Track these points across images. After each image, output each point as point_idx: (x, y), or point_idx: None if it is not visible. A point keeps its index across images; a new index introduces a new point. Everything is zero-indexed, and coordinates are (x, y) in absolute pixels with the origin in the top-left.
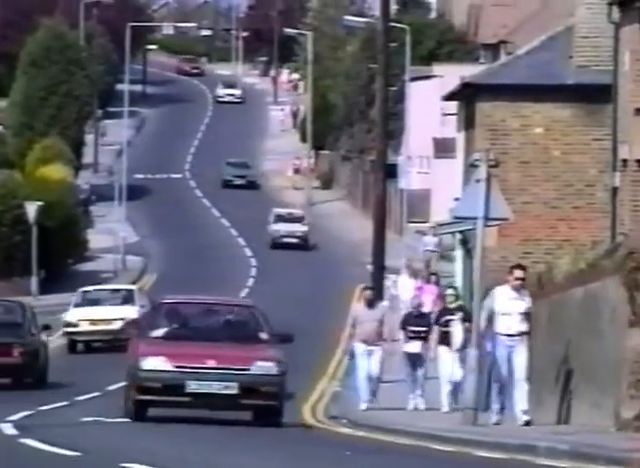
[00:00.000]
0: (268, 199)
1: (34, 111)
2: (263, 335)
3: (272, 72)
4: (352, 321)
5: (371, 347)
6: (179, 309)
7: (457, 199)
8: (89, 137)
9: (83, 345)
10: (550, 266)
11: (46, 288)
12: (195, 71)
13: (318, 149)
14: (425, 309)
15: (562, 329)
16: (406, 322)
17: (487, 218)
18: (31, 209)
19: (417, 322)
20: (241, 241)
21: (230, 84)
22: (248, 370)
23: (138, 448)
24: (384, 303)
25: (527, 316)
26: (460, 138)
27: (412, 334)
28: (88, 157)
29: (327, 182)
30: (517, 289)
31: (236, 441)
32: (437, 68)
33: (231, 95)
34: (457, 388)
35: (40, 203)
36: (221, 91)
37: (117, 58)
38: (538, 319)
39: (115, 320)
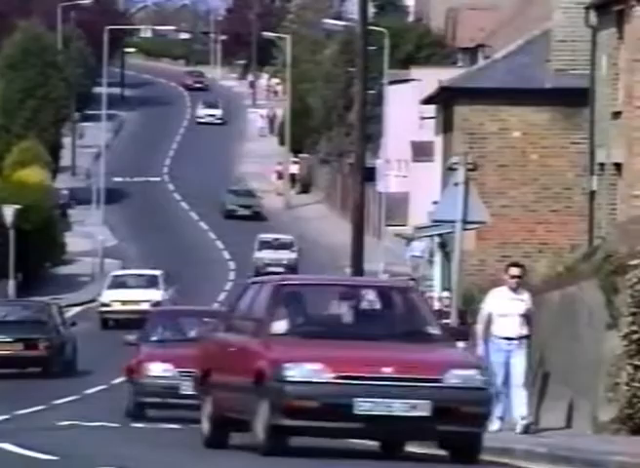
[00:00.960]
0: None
1: (11, 114)
2: (434, 330)
3: (250, 76)
4: None
5: None
6: (304, 293)
7: (435, 202)
8: (66, 140)
9: (114, 322)
10: (528, 270)
11: (23, 291)
12: (198, 85)
13: (296, 152)
14: None
15: (539, 332)
16: None
17: (465, 222)
18: (8, 212)
19: None
20: (219, 244)
21: (211, 103)
22: (441, 380)
23: (123, 454)
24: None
25: (527, 318)
26: (439, 142)
27: None
28: (65, 160)
29: (305, 186)
30: (514, 288)
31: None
32: (415, 72)
33: (211, 115)
34: None
35: (17, 206)
36: (202, 111)
37: (95, 61)
38: None
39: (143, 301)
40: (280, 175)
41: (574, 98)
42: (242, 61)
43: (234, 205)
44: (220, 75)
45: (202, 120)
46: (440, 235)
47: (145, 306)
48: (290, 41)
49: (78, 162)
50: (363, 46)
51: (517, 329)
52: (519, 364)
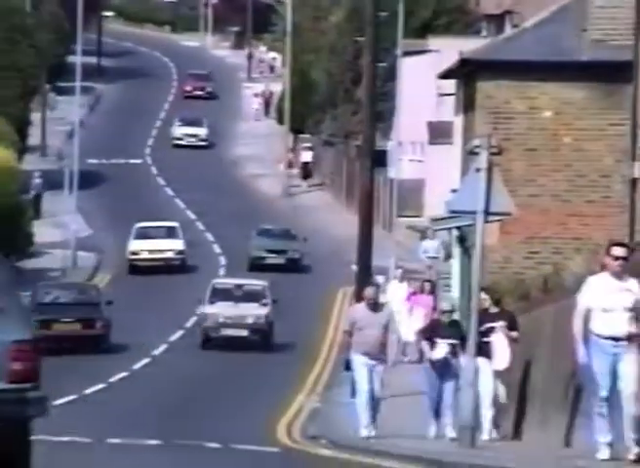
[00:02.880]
0: (242, 188)
1: None
2: None
3: (247, 49)
4: (349, 326)
5: (373, 361)
6: None
7: (453, 191)
8: (35, 116)
9: (142, 268)
10: (559, 268)
11: None
12: (200, 93)
13: (297, 133)
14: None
15: (570, 339)
16: (433, 331)
17: (487, 213)
18: None
19: (448, 332)
20: (210, 236)
21: (191, 121)
22: None
23: None
24: (389, 304)
25: (636, 312)
26: (459, 122)
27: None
28: (34, 139)
29: (307, 170)
30: (619, 274)
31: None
32: (433, 42)
33: (192, 136)
34: (499, 413)
35: None
36: (179, 129)
37: (69, 26)
38: (542, 328)
39: (167, 250)
40: (290, 164)
41: (614, 73)
42: (235, 29)
43: (263, 251)
44: (210, 44)
45: (180, 142)
46: (459, 228)
47: (170, 254)
48: (290, 6)
49: (49, 141)
50: (373, 12)
51: (625, 326)
52: (630, 371)
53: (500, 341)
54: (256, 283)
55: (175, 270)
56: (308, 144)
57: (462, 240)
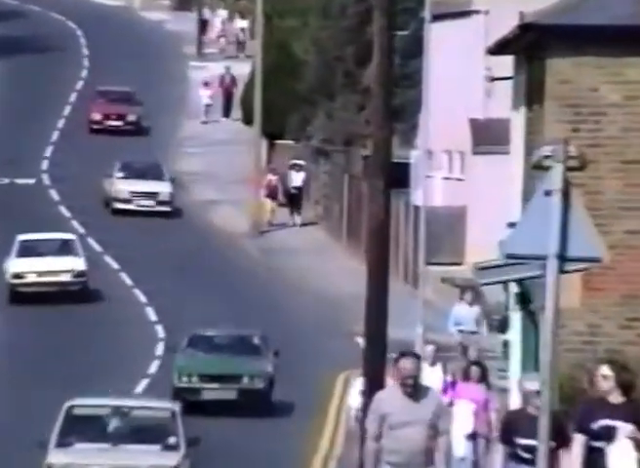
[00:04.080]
0: (185, 221)
1: None
2: None
3: (197, 11)
4: (376, 425)
5: None
6: None
7: (511, 225)
8: None
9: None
10: None
11: None
12: (118, 125)
13: (273, 138)
14: (464, 430)
15: None
16: (511, 429)
17: (564, 259)
18: None
19: (530, 429)
20: (139, 294)
21: (143, 169)
22: None
23: None
24: (436, 387)
25: None
26: (518, 121)
27: (523, 453)
28: None
29: (297, 201)
30: None
31: None
32: (478, 0)
33: (148, 195)
34: None
35: None
36: (121, 185)
37: None
38: None
39: (61, 272)
40: (272, 191)
41: None
42: None
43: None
44: (140, 1)
45: (126, 207)
46: (519, 282)
47: (66, 277)
48: None
49: None
50: None
51: None
52: None
53: (625, 453)
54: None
55: (73, 297)
56: (298, 162)
57: (525, 300)
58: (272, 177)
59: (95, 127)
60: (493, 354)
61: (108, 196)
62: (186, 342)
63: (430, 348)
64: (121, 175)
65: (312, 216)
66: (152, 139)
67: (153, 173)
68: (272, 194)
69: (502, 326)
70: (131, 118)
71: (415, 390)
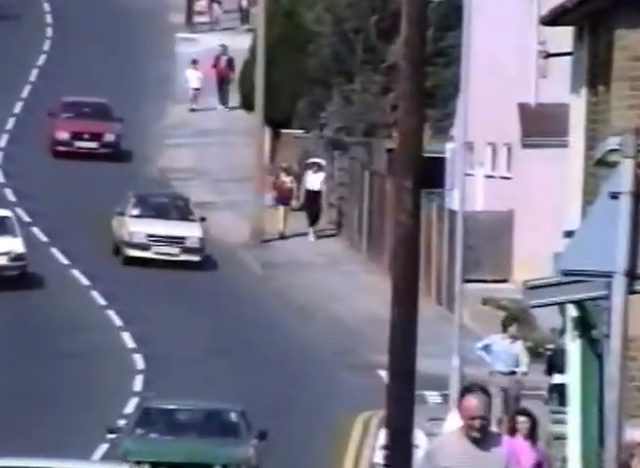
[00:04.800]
0: None
1: None
2: None
3: None
4: None
5: None
6: None
7: (569, 234)
8: None
9: None
10: None
11: None
12: (91, 147)
13: (277, 127)
14: None
15: None
16: None
17: (634, 276)
18: None
19: None
20: (113, 317)
21: (162, 207)
22: None
23: None
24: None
25: None
26: (578, 106)
27: None
28: None
29: (315, 208)
30: None
31: None
32: None
33: (171, 241)
34: None
35: None
36: (136, 226)
37: None
38: None
39: None
40: (286, 195)
41: None
42: None
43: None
44: None
45: (142, 254)
46: (579, 304)
47: (2, 260)
48: None
49: None
50: None
51: None
52: None
53: None
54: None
55: (12, 284)
56: (316, 160)
57: (586, 325)
58: (285, 178)
59: (60, 149)
60: (535, 391)
61: (119, 240)
62: (136, 418)
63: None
64: (136, 212)
65: (324, 223)
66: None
67: (179, 210)
68: (285, 199)
69: (552, 365)
70: (108, 138)
71: (483, 435)
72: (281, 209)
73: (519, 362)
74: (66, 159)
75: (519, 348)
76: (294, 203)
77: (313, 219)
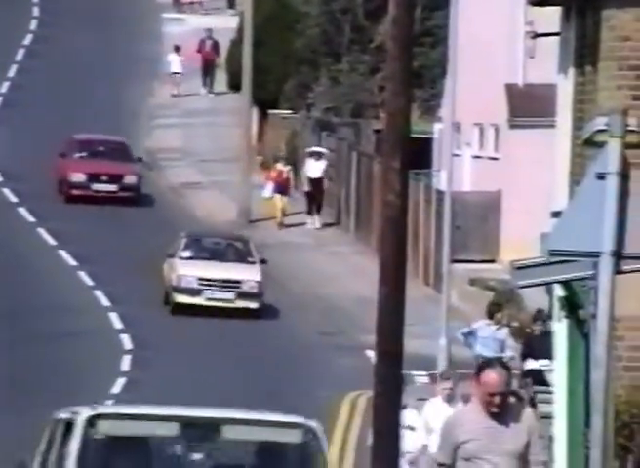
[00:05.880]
0: (163, 207)
1: None
2: None
3: None
4: (448, 452)
5: None
6: None
7: (556, 214)
8: None
9: None
10: None
11: None
12: (109, 190)
13: (265, 108)
14: None
15: None
16: None
17: (620, 256)
18: None
19: None
20: (101, 297)
21: (220, 248)
22: None
23: None
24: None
25: None
26: (566, 87)
27: None
28: None
29: (317, 196)
30: None
31: None
32: None
33: (229, 285)
34: None
35: None
36: (190, 271)
37: None
38: None
39: None
40: (284, 185)
41: None
42: None
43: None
44: None
45: (189, 300)
46: (566, 284)
47: None
48: None
49: None
50: None
51: None
52: None
53: None
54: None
55: None
56: (318, 149)
57: (573, 306)
58: (283, 168)
59: (75, 192)
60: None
61: (167, 285)
62: None
63: (447, 384)
64: (187, 254)
65: (338, 223)
66: (116, 98)
67: (236, 252)
68: (282, 189)
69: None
70: (129, 180)
71: (503, 410)
72: (278, 199)
73: (505, 348)
74: (81, 203)
75: (505, 334)
76: (291, 193)
77: (317, 208)
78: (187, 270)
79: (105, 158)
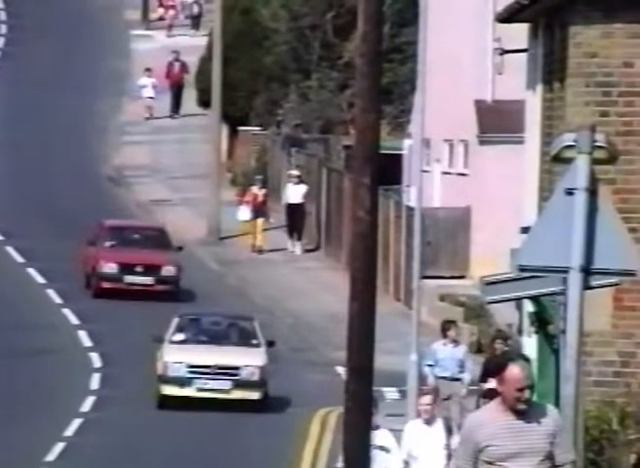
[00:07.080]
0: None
1: None
2: None
3: None
4: (466, 458)
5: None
6: None
7: (525, 230)
8: None
9: None
10: None
11: None
12: (147, 282)
13: (234, 124)
14: None
15: None
16: None
17: (589, 272)
18: None
19: None
20: (69, 315)
21: (222, 330)
22: None
23: None
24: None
25: None
26: (534, 102)
27: None
28: None
29: (298, 222)
30: None
31: None
32: None
33: (227, 372)
34: None
35: None
36: (179, 356)
37: None
38: None
39: None
40: (260, 208)
41: None
42: None
43: None
44: None
45: (178, 392)
46: (536, 299)
47: None
48: None
49: None
50: None
51: None
52: None
53: None
54: None
55: None
56: (295, 172)
57: (542, 321)
58: (258, 192)
59: (106, 285)
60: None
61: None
62: None
63: (426, 397)
64: (179, 337)
65: (281, 219)
66: (86, 112)
67: (239, 333)
68: (260, 212)
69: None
70: (167, 271)
71: (528, 407)
72: (257, 222)
73: (464, 367)
74: (110, 299)
75: (463, 353)
76: (271, 219)
77: (298, 234)
78: (176, 356)
79: (141, 246)
